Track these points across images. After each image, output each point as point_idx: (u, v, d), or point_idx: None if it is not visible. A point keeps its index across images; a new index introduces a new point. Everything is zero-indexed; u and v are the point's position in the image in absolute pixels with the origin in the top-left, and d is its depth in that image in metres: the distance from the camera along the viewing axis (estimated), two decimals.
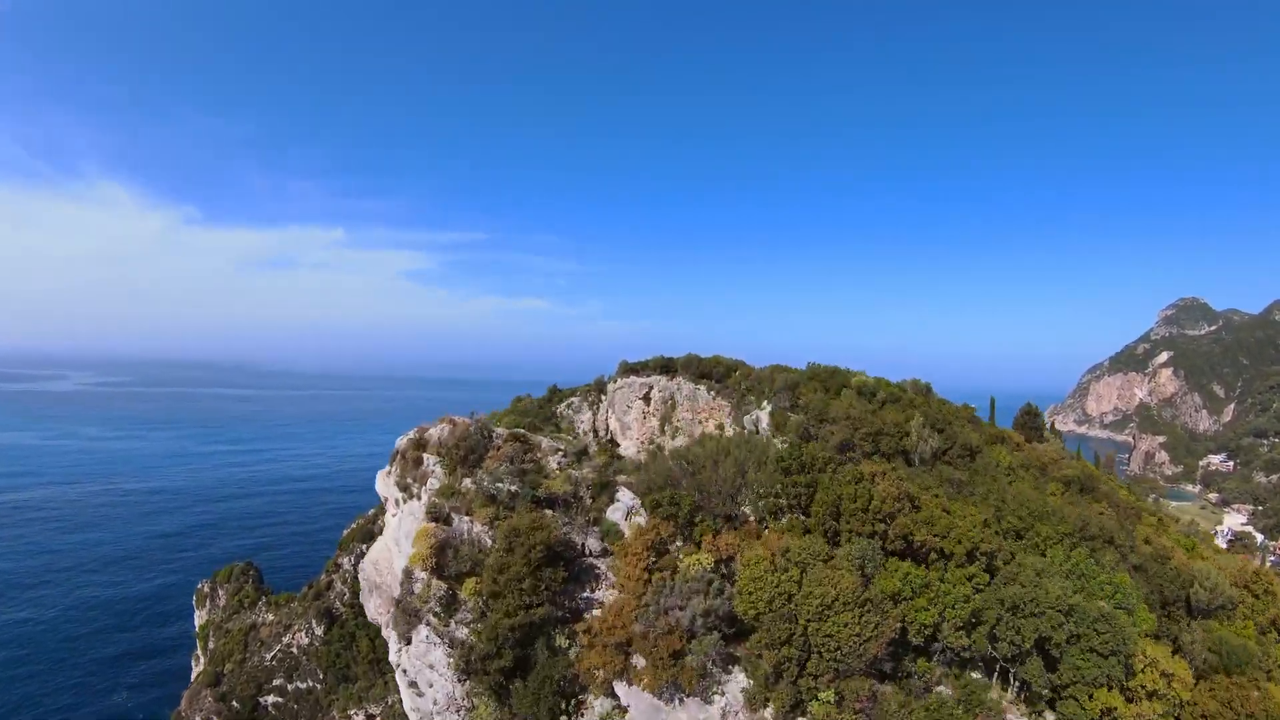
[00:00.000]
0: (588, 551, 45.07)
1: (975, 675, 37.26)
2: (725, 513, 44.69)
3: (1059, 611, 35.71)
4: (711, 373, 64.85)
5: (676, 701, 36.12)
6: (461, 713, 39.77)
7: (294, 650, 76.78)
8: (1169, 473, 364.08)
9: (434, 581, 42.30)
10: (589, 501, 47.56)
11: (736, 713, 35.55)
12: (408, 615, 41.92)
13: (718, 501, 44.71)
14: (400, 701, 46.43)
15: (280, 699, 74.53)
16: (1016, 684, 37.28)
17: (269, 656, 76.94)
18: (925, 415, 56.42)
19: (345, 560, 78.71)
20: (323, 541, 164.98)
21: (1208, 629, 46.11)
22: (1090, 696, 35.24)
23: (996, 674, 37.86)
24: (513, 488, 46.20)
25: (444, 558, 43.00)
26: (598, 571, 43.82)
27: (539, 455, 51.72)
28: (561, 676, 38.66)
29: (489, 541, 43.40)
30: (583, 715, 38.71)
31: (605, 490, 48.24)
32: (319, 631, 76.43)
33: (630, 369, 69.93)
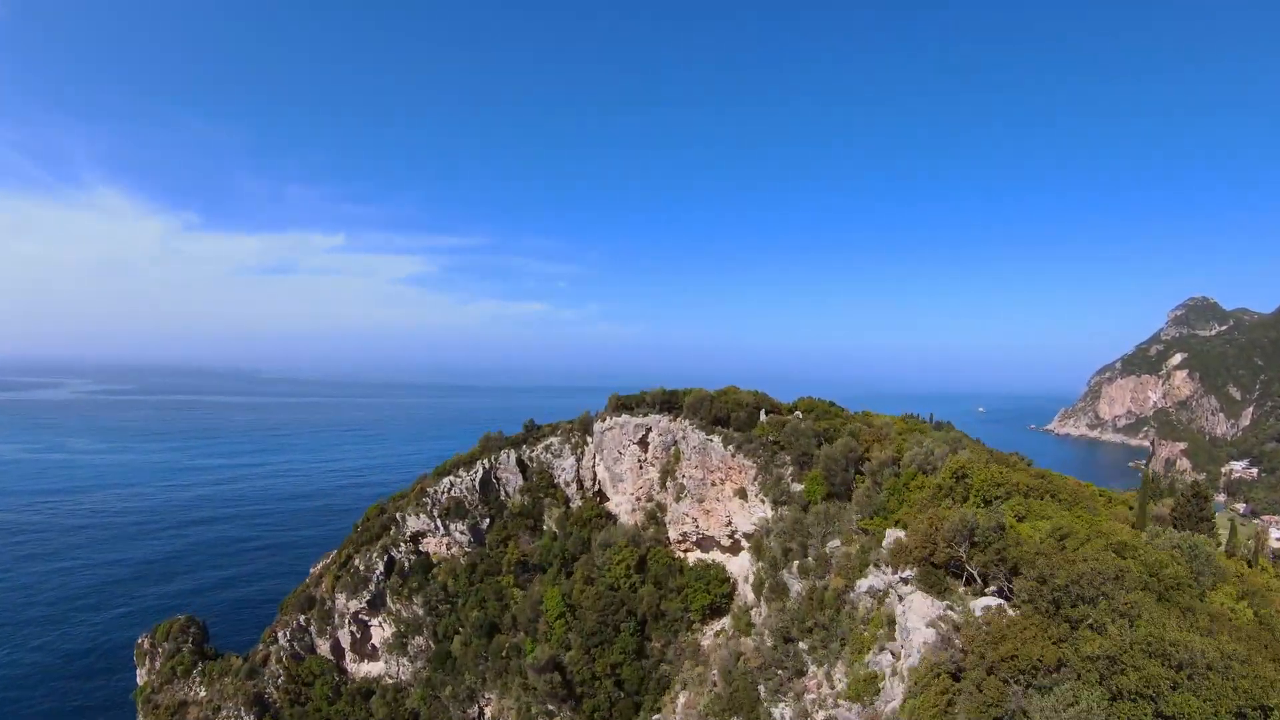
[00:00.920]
0: None
1: None
2: None
3: None
4: (728, 418, 49.16)
5: None
6: None
7: None
8: (1190, 480, 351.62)
9: None
10: None
11: None
12: None
13: None
14: None
15: None
16: None
17: None
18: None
19: (282, 635, 65.89)
20: (299, 573, 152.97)
21: None
22: None
23: None
24: None
25: None
26: None
27: None
28: None
29: None
30: None
31: None
32: None
33: (622, 404, 56.10)
